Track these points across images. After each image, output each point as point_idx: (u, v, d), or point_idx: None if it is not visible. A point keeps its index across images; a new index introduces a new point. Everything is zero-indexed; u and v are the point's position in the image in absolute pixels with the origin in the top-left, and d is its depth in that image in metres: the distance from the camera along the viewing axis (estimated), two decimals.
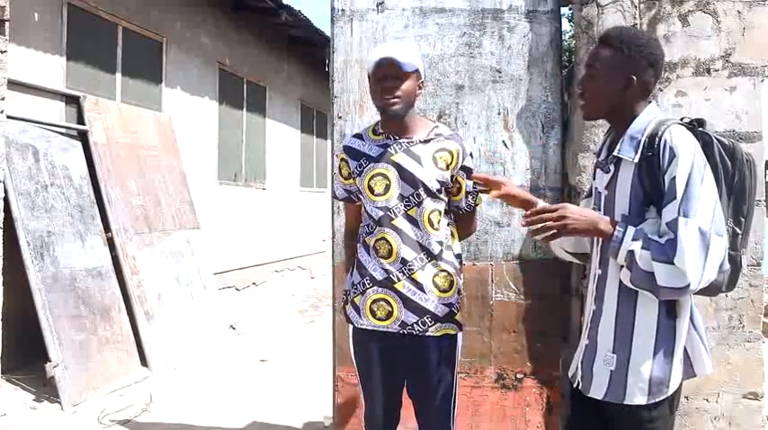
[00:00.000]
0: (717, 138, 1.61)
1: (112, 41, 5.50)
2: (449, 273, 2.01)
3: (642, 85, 1.62)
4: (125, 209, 5.00)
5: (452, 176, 2.01)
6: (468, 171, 2.04)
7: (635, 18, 2.58)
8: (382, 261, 1.97)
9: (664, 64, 1.69)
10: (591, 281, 1.76)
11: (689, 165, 1.48)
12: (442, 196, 2.00)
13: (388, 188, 1.96)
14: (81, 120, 4.92)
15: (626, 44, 1.61)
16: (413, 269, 1.95)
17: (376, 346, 2.01)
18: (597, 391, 1.64)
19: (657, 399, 1.57)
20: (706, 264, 1.45)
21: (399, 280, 1.95)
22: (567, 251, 1.91)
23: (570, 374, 1.80)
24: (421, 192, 1.96)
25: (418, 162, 1.98)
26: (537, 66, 2.75)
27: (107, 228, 4.77)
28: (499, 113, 2.76)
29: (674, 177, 1.48)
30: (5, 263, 3.73)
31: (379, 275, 1.97)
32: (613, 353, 1.62)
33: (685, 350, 1.62)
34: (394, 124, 2.00)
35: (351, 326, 2.08)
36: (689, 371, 1.64)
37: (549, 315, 2.73)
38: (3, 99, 3.72)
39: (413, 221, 1.96)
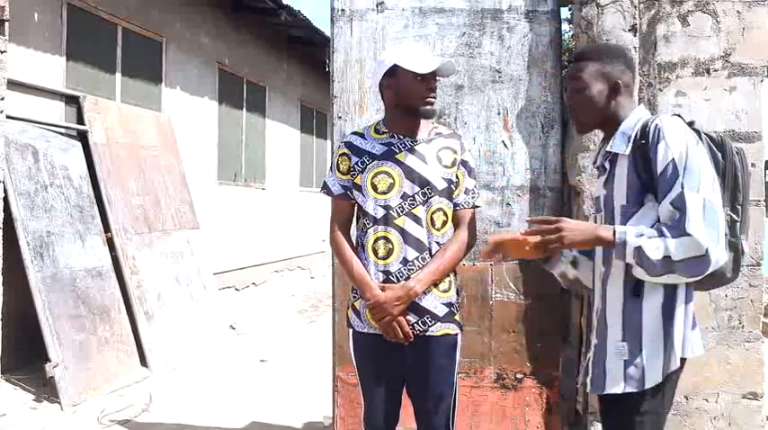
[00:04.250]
0: (706, 134, 1.68)
1: (112, 41, 5.50)
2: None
3: (626, 87, 1.73)
4: (125, 209, 5.00)
5: (455, 173, 2.03)
6: (466, 165, 2.06)
7: (634, 18, 2.58)
8: (381, 263, 1.97)
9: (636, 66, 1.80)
10: (596, 279, 1.79)
11: (684, 144, 1.56)
12: (446, 195, 2.00)
13: (392, 186, 1.96)
14: (81, 121, 4.92)
15: (603, 54, 1.75)
16: (413, 269, 1.95)
17: (377, 349, 2.00)
18: (614, 387, 1.65)
19: (671, 370, 1.61)
20: (718, 232, 1.51)
21: (399, 280, 1.95)
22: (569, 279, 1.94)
23: (581, 382, 1.81)
24: (426, 191, 1.97)
25: (423, 161, 1.98)
26: (537, 66, 2.75)
27: (107, 228, 4.77)
28: (499, 113, 2.76)
29: (673, 159, 1.55)
30: (5, 263, 3.73)
31: (378, 278, 1.97)
32: (623, 341, 1.65)
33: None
34: (404, 123, 2.01)
35: (351, 331, 2.07)
36: (693, 350, 1.67)
37: (548, 315, 2.73)
38: (2, 99, 3.72)
39: (416, 220, 1.96)
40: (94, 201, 4.72)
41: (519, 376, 2.73)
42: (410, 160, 1.98)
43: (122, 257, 4.80)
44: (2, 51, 3.69)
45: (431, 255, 1.97)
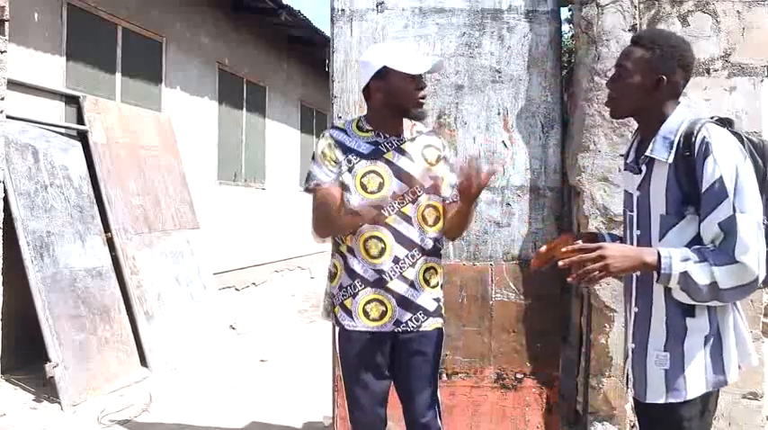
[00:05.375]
0: (747, 137, 1.60)
1: (112, 41, 5.50)
2: (436, 269, 2.05)
3: (671, 85, 1.61)
4: (125, 209, 5.00)
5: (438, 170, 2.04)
6: (448, 161, 2.09)
7: (634, 18, 2.58)
8: (372, 261, 1.96)
9: (693, 67, 1.67)
10: (628, 281, 1.73)
11: (734, 162, 1.48)
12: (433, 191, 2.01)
13: (381, 186, 1.95)
14: (81, 121, 4.91)
15: (658, 44, 1.61)
16: (404, 267, 1.96)
17: (369, 347, 2.00)
18: (656, 396, 1.60)
19: (715, 388, 1.58)
20: (763, 254, 1.46)
21: (392, 278, 1.96)
22: None
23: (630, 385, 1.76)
24: (415, 189, 1.97)
25: (410, 159, 1.99)
26: (537, 66, 2.75)
27: (107, 228, 4.77)
28: (499, 113, 2.76)
29: (721, 177, 1.47)
30: (5, 263, 3.72)
31: (370, 277, 1.97)
32: (665, 351, 1.59)
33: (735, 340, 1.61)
34: (390, 123, 2.01)
35: (338, 329, 2.05)
36: (743, 358, 1.63)
37: (548, 315, 2.73)
38: (2, 99, 3.72)
39: (406, 219, 1.97)
40: (94, 201, 4.72)
41: (519, 376, 2.73)
42: (398, 159, 1.98)
43: (122, 257, 4.80)
44: (2, 51, 3.69)
45: (421, 252, 1.98)
